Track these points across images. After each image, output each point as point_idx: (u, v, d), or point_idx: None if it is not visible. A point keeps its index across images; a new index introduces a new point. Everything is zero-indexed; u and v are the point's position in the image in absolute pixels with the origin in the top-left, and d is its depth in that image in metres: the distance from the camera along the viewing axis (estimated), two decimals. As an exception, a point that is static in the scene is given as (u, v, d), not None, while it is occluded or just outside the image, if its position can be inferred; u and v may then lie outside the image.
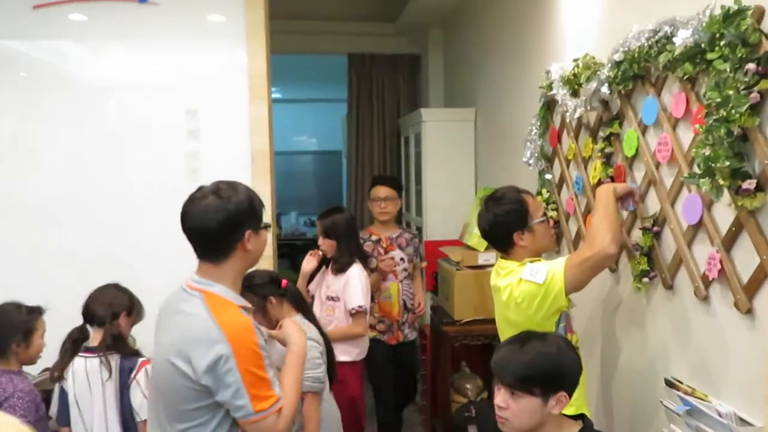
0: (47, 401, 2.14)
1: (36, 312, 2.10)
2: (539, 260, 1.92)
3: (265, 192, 2.83)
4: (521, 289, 1.85)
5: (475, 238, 3.41)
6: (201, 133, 2.84)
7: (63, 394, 2.05)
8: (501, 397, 1.48)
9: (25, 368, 2.13)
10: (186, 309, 1.51)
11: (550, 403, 1.45)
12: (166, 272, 2.74)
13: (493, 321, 3.26)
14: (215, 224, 1.50)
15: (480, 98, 3.96)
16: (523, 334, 1.58)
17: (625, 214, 2.08)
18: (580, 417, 1.58)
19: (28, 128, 2.77)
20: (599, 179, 2.21)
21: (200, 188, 1.60)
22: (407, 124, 4.71)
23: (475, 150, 4.06)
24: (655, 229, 1.91)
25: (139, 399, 2.03)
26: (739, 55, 1.42)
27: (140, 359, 2.06)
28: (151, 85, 2.83)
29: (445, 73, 4.97)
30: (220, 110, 2.86)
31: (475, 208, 3.66)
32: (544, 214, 2.02)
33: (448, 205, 3.98)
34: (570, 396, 1.49)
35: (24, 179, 2.77)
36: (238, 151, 2.84)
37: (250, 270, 1.78)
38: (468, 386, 3.32)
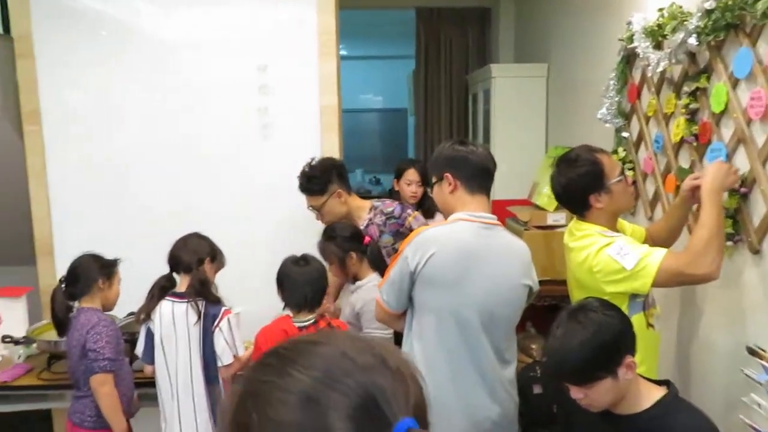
0: (132, 343, 2.29)
1: (114, 262, 2.25)
2: (615, 237, 1.81)
3: (333, 148, 2.85)
4: (601, 260, 1.77)
5: (544, 198, 3.33)
6: (271, 88, 2.87)
7: (149, 334, 2.17)
8: (573, 392, 1.46)
9: (110, 313, 2.29)
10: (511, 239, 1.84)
11: (620, 374, 1.42)
12: (236, 223, 2.86)
13: (560, 282, 3.21)
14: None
15: (553, 53, 3.81)
16: (558, 322, 1.50)
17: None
18: (665, 383, 1.54)
19: (109, 86, 2.87)
20: (682, 137, 2.10)
21: None
22: (476, 80, 4.60)
23: (546, 107, 3.93)
24: (743, 190, 1.80)
25: (222, 345, 2.12)
26: None
27: (223, 307, 2.15)
28: (223, 41, 2.86)
29: (516, 27, 4.79)
30: (289, 66, 2.87)
31: (545, 167, 3.57)
32: (622, 172, 1.92)
33: (517, 164, 3.88)
34: (633, 354, 1.46)
35: (106, 135, 2.89)
36: (307, 106, 2.85)
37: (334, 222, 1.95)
38: (533, 347, 3.30)
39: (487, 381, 1.76)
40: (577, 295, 1.89)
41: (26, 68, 2.81)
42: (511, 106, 3.94)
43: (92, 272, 2.18)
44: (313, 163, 2.48)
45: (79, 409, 2.13)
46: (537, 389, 3.13)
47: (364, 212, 2.52)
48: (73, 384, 2.17)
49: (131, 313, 2.35)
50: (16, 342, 2.43)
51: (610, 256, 1.75)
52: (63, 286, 2.19)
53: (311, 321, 2.10)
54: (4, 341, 2.44)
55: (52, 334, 2.38)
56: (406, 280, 1.74)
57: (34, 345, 2.44)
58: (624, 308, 1.68)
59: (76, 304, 2.20)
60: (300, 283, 2.09)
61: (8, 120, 2.89)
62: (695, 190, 1.83)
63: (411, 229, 2.22)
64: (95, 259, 2.21)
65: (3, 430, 3.14)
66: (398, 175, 3.27)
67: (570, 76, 3.51)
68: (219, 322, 2.12)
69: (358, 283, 2.31)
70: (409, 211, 2.54)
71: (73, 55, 2.83)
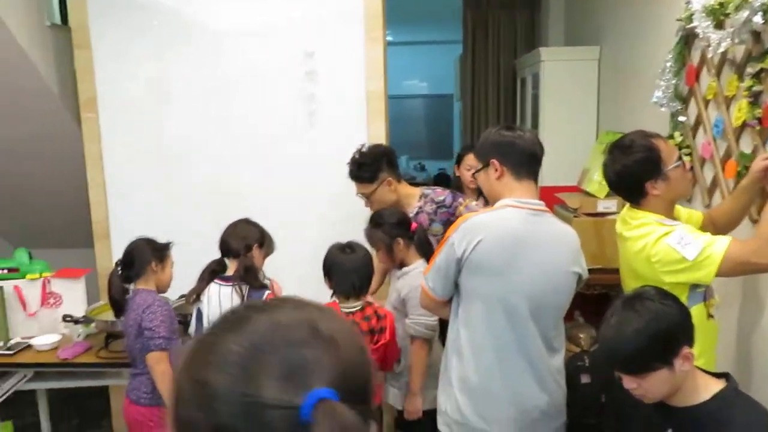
0: (185, 324, 2.36)
1: (166, 245, 2.32)
2: (675, 226, 1.75)
3: (379, 134, 2.85)
4: (660, 249, 1.71)
5: (594, 185, 3.25)
6: (318, 75, 2.88)
7: (199, 314, 2.24)
8: (626, 381, 1.43)
9: (163, 295, 2.35)
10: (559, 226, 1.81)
11: (676, 365, 1.38)
12: (285, 208, 2.90)
13: (611, 271, 3.13)
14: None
15: (606, 35, 3.69)
16: (613, 310, 1.47)
17: None
18: (724, 375, 1.49)
19: (162, 74, 2.94)
20: (744, 121, 2.01)
21: None
22: (524, 64, 4.50)
23: (597, 91, 3.82)
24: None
25: None
26: None
27: (267, 291, 2.20)
28: (271, 29, 2.88)
29: (566, 9, 4.66)
30: (336, 52, 2.87)
31: (596, 153, 3.48)
32: (679, 158, 1.85)
33: (566, 150, 3.80)
34: (691, 345, 1.41)
35: (159, 122, 2.96)
36: (353, 92, 2.86)
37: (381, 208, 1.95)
38: (581, 336, 3.24)
39: (535, 369, 1.74)
40: (631, 285, 1.84)
41: (83, 58, 2.90)
42: (561, 91, 3.85)
43: (146, 256, 2.25)
44: (364, 149, 2.47)
45: (136, 386, 2.21)
46: (585, 379, 3.08)
47: (414, 200, 2.51)
48: (130, 362, 2.25)
49: (182, 296, 2.42)
50: (76, 321, 2.53)
51: (669, 245, 1.69)
52: (119, 269, 2.27)
53: (359, 307, 2.11)
54: (64, 320, 2.55)
55: (109, 314, 2.47)
56: (452, 266, 1.73)
57: (93, 324, 2.54)
58: (683, 299, 1.63)
59: (131, 286, 2.28)
60: (347, 271, 2.10)
61: (67, 108, 3.00)
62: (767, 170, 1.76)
63: None
64: (148, 243, 2.28)
65: (64, 405, 3.29)
66: (458, 161, 3.24)
67: (623, 59, 3.40)
68: None
69: (404, 269, 2.31)
70: (460, 200, 2.51)
71: (127, 44, 2.91)
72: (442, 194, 2.51)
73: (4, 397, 2.65)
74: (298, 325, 0.60)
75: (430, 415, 2.14)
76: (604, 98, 3.78)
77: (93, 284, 2.99)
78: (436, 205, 2.47)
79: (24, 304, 2.76)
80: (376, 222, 2.31)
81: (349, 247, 2.15)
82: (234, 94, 2.92)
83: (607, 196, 3.15)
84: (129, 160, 2.98)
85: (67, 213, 3.35)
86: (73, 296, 2.79)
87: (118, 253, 2.96)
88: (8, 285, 2.74)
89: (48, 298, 2.78)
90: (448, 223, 2.41)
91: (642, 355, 1.37)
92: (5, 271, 2.76)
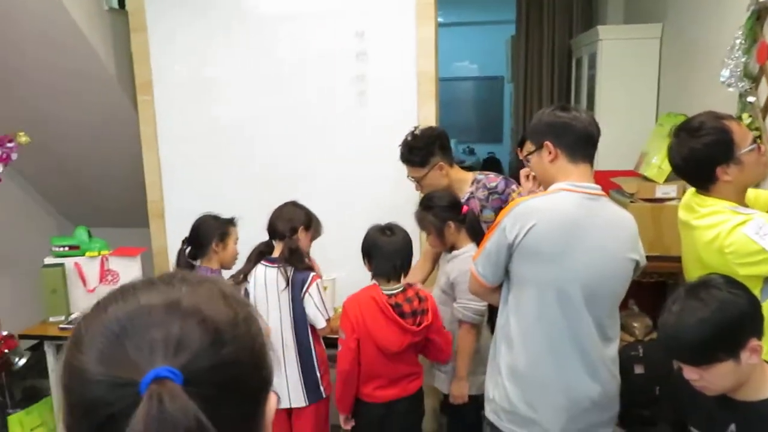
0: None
1: (230, 221, 2.37)
2: (752, 215, 1.63)
3: (429, 116, 2.80)
4: (736, 240, 1.60)
5: (653, 169, 3.13)
6: (368, 56, 2.85)
7: (246, 294, 2.28)
8: (687, 372, 1.37)
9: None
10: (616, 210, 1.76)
11: (743, 357, 1.31)
12: (334, 190, 2.91)
13: (669, 259, 3.02)
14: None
15: (669, 12, 3.52)
16: (675, 298, 1.40)
17: None
18: None
19: (215, 58, 2.96)
20: (821, 101, 1.88)
21: None
22: (580, 44, 4.35)
23: (658, 71, 3.65)
24: None
25: (312, 310, 2.21)
26: None
27: (311, 273, 2.21)
28: (322, 9, 2.86)
29: (626, -14, 4.48)
30: (387, 32, 2.83)
31: (655, 136, 3.34)
32: (753, 141, 1.72)
33: (623, 133, 3.64)
34: (760, 337, 1.33)
35: (212, 104, 3.00)
36: (403, 73, 2.81)
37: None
38: (636, 325, 3.14)
39: (587, 359, 1.69)
40: (696, 276, 1.75)
41: (139, 41, 2.96)
42: (620, 71, 3.70)
43: (208, 234, 2.32)
44: (416, 132, 2.42)
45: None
46: (638, 369, 2.99)
47: (465, 185, 2.47)
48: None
49: (231, 276, 2.46)
50: (133, 298, 2.61)
51: (747, 235, 1.58)
52: (185, 246, 2.35)
53: (400, 289, 2.10)
54: (122, 297, 2.63)
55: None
56: (503, 252, 1.69)
57: (148, 301, 2.61)
58: (757, 292, 1.53)
59: (197, 262, 2.35)
60: (388, 253, 2.08)
61: (124, 91, 3.07)
62: None
63: None
64: (213, 219, 2.34)
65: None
66: (521, 144, 3.16)
67: (688, 36, 3.24)
68: (308, 288, 2.19)
69: (454, 252, 2.28)
70: (513, 187, 2.45)
71: (182, 28, 2.94)
72: (494, 180, 2.45)
73: (66, 368, 2.77)
74: (157, 305, 0.58)
75: (477, 401, 2.12)
76: (665, 78, 3.61)
77: (148, 262, 3.08)
78: (488, 192, 2.42)
79: (84, 281, 2.88)
80: (426, 205, 2.28)
81: (389, 229, 2.12)
82: (284, 75, 2.93)
83: (667, 181, 3.02)
84: (183, 141, 3.03)
85: (124, 193, 3.45)
86: (130, 274, 2.88)
87: (172, 233, 3.06)
88: (69, 262, 2.85)
89: (106, 275, 2.88)
90: (499, 210, 2.35)
91: (705, 345, 1.31)
92: (66, 249, 2.87)
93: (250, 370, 0.59)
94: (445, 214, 2.22)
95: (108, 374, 0.54)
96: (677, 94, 3.41)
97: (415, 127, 2.44)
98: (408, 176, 2.45)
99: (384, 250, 2.09)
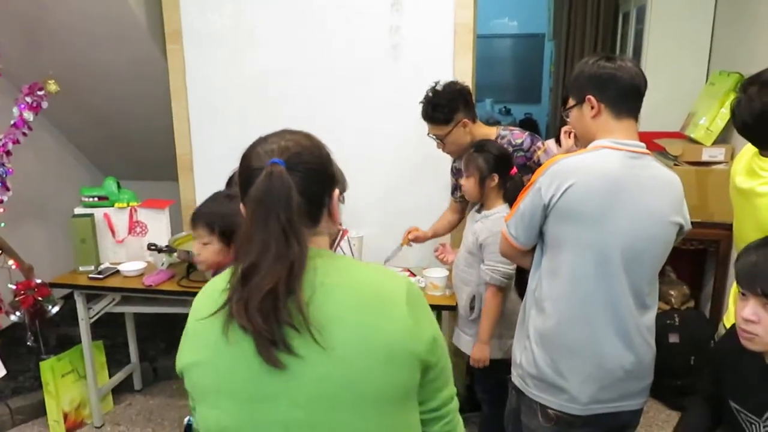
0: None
1: None
2: None
3: (466, 70, 2.69)
4: None
5: (701, 130, 2.97)
6: (403, 6, 2.73)
7: None
8: (750, 308, 1.28)
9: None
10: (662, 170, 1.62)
11: None
12: (363, 141, 2.83)
13: (712, 225, 2.89)
14: None
15: (727, -39, 3.28)
16: (751, 246, 1.33)
17: None
18: None
19: (246, 6, 2.87)
20: None
21: None
22: (628, -3, 4.12)
23: (712, 27, 3.43)
24: None
25: None
26: None
27: (342, 228, 2.16)
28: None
29: (681, -66, 4.18)
30: (423, -19, 2.70)
31: (705, 96, 3.15)
32: None
33: (670, 92, 3.45)
34: None
35: (242, 56, 2.93)
36: (440, 25, 2.69)
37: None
38: (672, 293, 3.04)
39: (621, 326, 1.61)
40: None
41: (169, -12, 2.89)
42: (669, 25, 3.48)
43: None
44: (438, 88, 2.30)
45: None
46: (673, 338, 2.90)
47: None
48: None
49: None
50: (160, 250, 2.61)
51: None
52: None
53: None
54: (149, 249, 2.64)
55: (191, 245, 2.52)
56: (538, 213, 1.60)
57: (175, 254, 2.61)
58: None
59: None
60: None
61: (154, 39, 3.01)
62: None
63: (539, 164, 2.03)
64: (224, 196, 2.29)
65: (146, 330, 3.47)
66: (564, 103, 3.03)
67: (747, -11, 3.01)
68: (339, 242, 2.13)
69: (484, 212, 2.20)
70: (539, 143, 2.34)
71: (212, -24, 2.86)
72: (520, 137, 2.34)
73: (96, 317, 2.81)
74: (273, 133, 1.08)
75: (504, 364, 2.06)
76: (719, 34, 3.39)
77: (177, 215, 3.07)
78: (513, 148, 2.31)
79: (113, 231, 2.89)
80: (481, 148, 2.18)
81: None
82: (317, 26, 2.83)
83: (715, 143, 2.87)
84: (212, 92, 2.98)
85: (155, 146, 3.44)
86: (158, 226, 2.88)
87: (200, 186, 3.04)
88: (98, 212, 2.86)
89: (135, 226, 2.88)
90: (523, 168, 2.25)
91: None
92: (95, 199, 2.87)
93: (323, 167, 1.02)
94: (494, 164, 2.13)
95: (254, 165, 0.99)
96: (732, 51, 3.19)
97: (436, 83, 2.33)
98: (429, 134, 2.36)
99: None
